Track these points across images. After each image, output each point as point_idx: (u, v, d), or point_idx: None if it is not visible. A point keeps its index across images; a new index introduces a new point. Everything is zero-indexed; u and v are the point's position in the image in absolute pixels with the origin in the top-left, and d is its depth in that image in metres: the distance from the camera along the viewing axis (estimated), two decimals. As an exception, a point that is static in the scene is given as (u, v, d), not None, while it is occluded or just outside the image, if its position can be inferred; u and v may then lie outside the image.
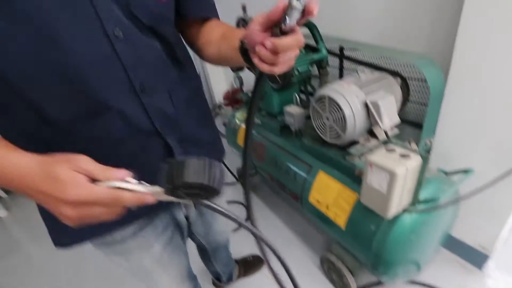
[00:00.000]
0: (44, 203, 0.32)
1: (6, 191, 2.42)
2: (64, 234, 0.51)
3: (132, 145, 0.46)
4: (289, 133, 1.21)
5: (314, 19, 1.11)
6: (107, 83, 0.40)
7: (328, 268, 1.12)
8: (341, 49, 1.22)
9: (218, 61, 0.55)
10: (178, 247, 0.67)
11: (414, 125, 1.14)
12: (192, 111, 0.55)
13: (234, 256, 1.19)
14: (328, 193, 0.98)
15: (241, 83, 1.52)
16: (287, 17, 0.30)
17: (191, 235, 0.79)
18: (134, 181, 0.32)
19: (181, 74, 0.52)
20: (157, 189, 0.32)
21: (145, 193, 0.32)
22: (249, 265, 1.30)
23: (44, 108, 0.38)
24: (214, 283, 1.26)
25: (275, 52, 0.32)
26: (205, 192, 0.32)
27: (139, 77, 0.42)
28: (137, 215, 0.53)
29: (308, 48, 1.19)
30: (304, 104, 1.19)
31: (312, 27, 1.14)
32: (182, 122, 0.52)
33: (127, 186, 0.32)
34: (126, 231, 0.54)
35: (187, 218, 0.69)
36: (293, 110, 1.10)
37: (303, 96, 1.32)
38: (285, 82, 1.06)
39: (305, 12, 0.30)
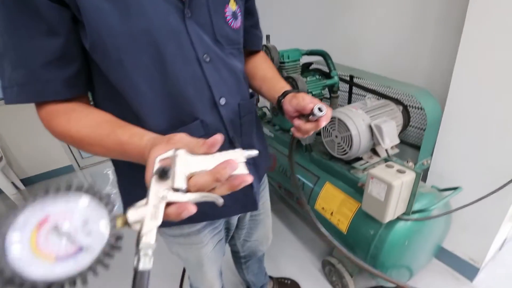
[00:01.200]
0: None
1: (25, 183, 2.55)
2: None
3: None
4: (300, 147, 1.35)
5: (330, 50, 1.29)
6: (196, 98, 0.49)
7: (329, 271, 1.23)
8: (351, 77, 1.39)
9: (257, 92, 0.67)
10: (222, 247, 0.75)
11: (414, 146, 1.28)
12: (251, 123, 0.63)
13: (274, 273, 1.26)
14: (333, 201, 1.11)
15: (257, 100, 1.68)
16: (311, 116, 0.48)
17: (231, 239, 0.86)
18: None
19: (246, 90, 0.61)
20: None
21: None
22: (285, 287, 1.28)
23: (148, 119, 0.47)
24: None
25: (300, 129, 0.50)
26: None
27: (219, 93, 0.51)
28: (211, 215, 0.60)
29: (321, 74, 1.36)
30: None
31: (326, 56, 1.30)
32: (244, 132, 0.60)
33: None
34: (194, 227, 0.61)
35: (238, 221, 0.76)
36: (306, 126, 1.24)
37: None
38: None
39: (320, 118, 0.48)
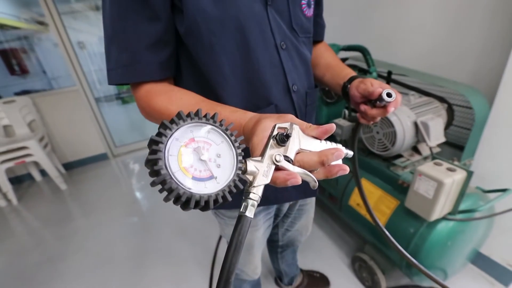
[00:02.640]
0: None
1: (66, 168, 2.75)
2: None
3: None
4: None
5: (369, 45, 1.27)
6: (272, 84, 0.51)
7: (360, 267, 1.24)
8: (389, 73, 1.36)
9: (318, 81, 0.67)
10: (269, 232, 0.77)
11: (454, 146, 1.24)
12: (313, 113, 0.65)
13: (303, 266, 1.28)
14: (369, 198, 1.11)
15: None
16: (378, 102, 0.48)
17: (274, 227, 0.88)
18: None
19: (312, 79, 0.62)
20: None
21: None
22: (314, 280, 1.29)
23: (228, 102, 0.48)
24: (276, 282, 1.30)
25: (366, 115, 0.50)
26: None
27: (292, 80, 0.53)
28: (272, 199, 0.62)
29: (360, 70, 1.34)
30: (351, 119, 1.33)
31: (365, 52, 1.29)
32: (308, 119, 0.61)
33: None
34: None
35: (288, 209, 0.78)
36: (342, 122, 1.24)
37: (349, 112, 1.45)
38: (339, 98, 1.20)
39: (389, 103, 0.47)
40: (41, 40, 3.50)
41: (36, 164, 2.59)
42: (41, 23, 3.18)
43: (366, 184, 1.14)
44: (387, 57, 1.48)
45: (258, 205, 0.63)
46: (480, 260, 1.23)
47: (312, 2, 0.56)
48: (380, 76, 1.38)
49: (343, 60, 1.49)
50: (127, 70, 0.44)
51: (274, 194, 0.61)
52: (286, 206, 0.76)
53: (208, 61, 0.47)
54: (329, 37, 1.78)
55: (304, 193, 0.67)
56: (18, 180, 2.65)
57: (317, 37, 0.68)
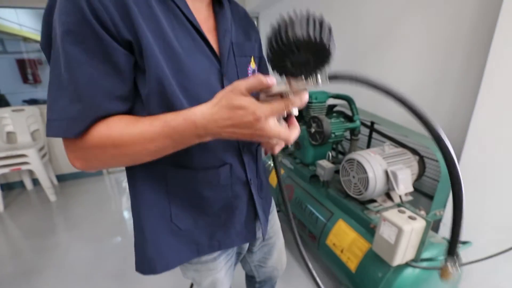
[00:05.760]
0: (240, 133, 0.40)
1: (59, 179, 2.78)
2: (158, 261, 0.58)
3: (231, 190, 0.61)
4: (317, 182, 1.43)
5: (355, 91, 1.42)
6: (226, 148, 0.57)
7: (334, 310, 1.24)
8: (372, 123, 1.49)
9: None
10: (232, 271, 0.79)
11: (428, 196, 1.32)
12: (261, 164, 0.72)
13: None
14: (344, 239, 1.16)
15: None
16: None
17: (245, 262, 0.90)
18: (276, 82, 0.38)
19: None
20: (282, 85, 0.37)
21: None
22: None
23: (186, 157, 0.52)
24: None
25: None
26: (317, 59, 0.31)
27: (242, 143, 0.60)
28: (224, 245, 0.66)
29: (345, 117, 1.47)
30: (334, 161, 1.43)
31: (350, 102, 1.43)
32: (259, 173, 0.70)
33: (280, 88, 0.37)
34: (211, 255, 0.67)
35: (249, 245, 0.81)
36: (325, 164, 1.33)
37: (334, 154, 1.56)
38: (323, 141, 1.31)
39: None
40: (58, 54, 3.77)
41: (30, 172, 2.63)
42: (61, 38, 3.45)
43: (342, 225, 1.20)
44: (374, 106, 1.63)
45: (217, 250, 0.67)
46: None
47: (256, 71, 0.64)
48: (363, 124, 1.51)
49: (332, 106, 1.63)
50: (74, 123, 0.40)
51: (225, 240, 0.66)
52: (245, 244, 0.79)
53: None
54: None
55: (246, 239, 0.70)
56: (9, 187, 2.67)
57: None
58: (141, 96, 0.46)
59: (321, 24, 0.29)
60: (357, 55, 1.80)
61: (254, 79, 0.37)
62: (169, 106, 0.46)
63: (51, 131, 0.41)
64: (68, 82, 0.40)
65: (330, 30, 0.30)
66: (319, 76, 0.34)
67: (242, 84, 0.37)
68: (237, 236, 0.68)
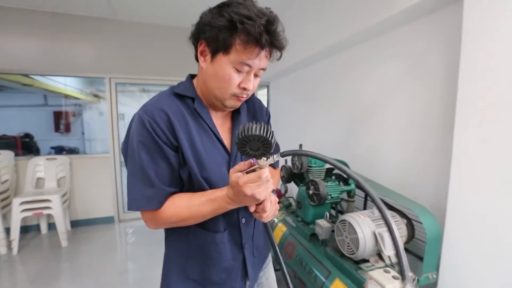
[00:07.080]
0: (243, 196, 0.56)
1: (72, 225, 2.91)
2: None
3: (231, 253, 0.76)
4: (317, 240, 1.53)
5: (354, 158, 1.62)
6: (228, 217, 0.74)
7: None
8: (366, 186, 1.65)
9: None
10: None
11: (421, 259, 1.39)
12: (260, 229, 0.85)
13: None
14: (340, 298, 1.21)
15: (286, 191, 1.99)
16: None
17: None
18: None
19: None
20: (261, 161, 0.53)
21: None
22: None
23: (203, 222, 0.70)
24: None
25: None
26: (263, 146, 0.48)
27: (242, 214, 0.76)
28: (221, 283, 0.77)
29: (342, 180, 1.65)
30: (333, 220, 1.56)
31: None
32: (256, 238, 0.83)
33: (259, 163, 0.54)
34: None
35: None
36: (323, 223, 1.46)
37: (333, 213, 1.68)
38: (320, 202, 1.47)
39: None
40: (91, 108, 4.28)
41: (48, 217, 2.79)
42: (96, 95, 3.98)
43: (339, 285, 1.26)
44: (371, 172, 1.81)
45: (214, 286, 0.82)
46: None
47: None
48: (358, 187, 1.67)
49: (331, 170, 1.83)
50: (150, 201, 0.64)
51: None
52: (242, 285, 0.86)
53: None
54: (324, 149, 2.21)
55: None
56: (25, 230, 2.81)
57: (275, 165, 0.94)
58: (182, 180, 0.70)
59: (266, 127, 0.48)
60: (351, 137, 2.07)
61: (240, 164, 0.58)
62: (198, 186, 0.68)
63: (132, 206, 0.65)
64: (141, 174, 0.64)
65: (272, 131, 0.49)
66: (274, 155, 0.53)
67: (235, 168, 0.59)
68: None
